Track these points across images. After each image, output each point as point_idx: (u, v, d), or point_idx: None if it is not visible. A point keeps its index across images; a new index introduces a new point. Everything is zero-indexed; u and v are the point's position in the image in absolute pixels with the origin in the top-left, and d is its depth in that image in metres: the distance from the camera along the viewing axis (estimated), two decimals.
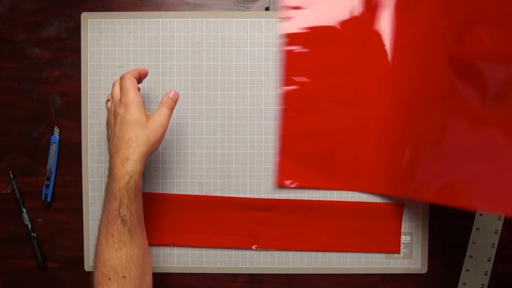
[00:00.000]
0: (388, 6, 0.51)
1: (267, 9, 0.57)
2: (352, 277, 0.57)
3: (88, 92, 0.56)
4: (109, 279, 0.43)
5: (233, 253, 0.57)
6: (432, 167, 0.46)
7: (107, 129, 0.49)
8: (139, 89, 0.49)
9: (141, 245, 0.45)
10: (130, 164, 0.44)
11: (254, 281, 0.58)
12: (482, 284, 0.57)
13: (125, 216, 0.43)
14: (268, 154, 0.56)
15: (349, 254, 0.57)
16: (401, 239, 0.57)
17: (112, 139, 0.46)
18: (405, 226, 0.57)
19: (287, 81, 0.54)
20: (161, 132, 0.46)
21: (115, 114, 0.46)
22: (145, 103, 0.56)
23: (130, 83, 0.46)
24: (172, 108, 0.49)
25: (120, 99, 0.46)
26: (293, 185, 0.55)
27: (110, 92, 0.49)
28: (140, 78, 0.50)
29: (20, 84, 0.57)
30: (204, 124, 0.56)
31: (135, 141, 0.44)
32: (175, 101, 0.49)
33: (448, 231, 0.57)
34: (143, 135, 0.45)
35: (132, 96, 0.45)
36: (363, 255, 0.57)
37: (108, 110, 0.49)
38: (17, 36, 0.57)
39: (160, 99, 0.49)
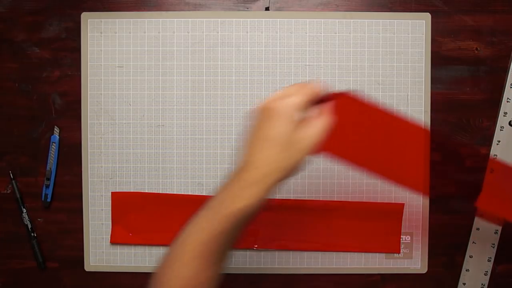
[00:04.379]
0: None
1: (267, 9, 0.57)
2: (352, 277, 0.57)
3: (88, 92, 0.56)
4: None
5: (233, 253, 0.57)
6: None
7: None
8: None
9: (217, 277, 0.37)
10: (254, 189, 0.35)
11: (254, 281, 0.58)
12: (482, 284, 0.57)
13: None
14: None
15: (349, 254, 0.57)
16: (401, 239, 0.57)
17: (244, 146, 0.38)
18: (405, 226, 0.57)
19: None
20: (307, 153, 0.37)
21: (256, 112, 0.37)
22: (145, 104, 0.56)
23: (301, 94, 0.37)
24: (328, 126, 0.38)
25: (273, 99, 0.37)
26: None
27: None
28: (315, 100, 0.39)
29: (20, 84, 0.57)
30: (204, 124, 0.56)
31: (273, 163, 0.35)
32: (334, 114, 0.39)
33: (448, 231, 0.57)
34: (285, 156, 0.36)
35: (287, 104, 0.36)
36: (363, 255, 0.57)
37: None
38: (17, 36, 0.57)
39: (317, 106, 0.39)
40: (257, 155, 0.36)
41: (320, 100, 0.39)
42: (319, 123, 0.38)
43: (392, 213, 0.56)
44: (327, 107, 0.39)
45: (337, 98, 0.40)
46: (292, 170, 0.36)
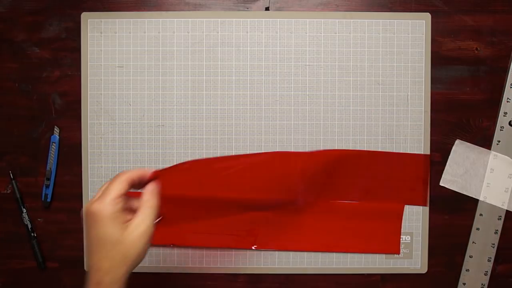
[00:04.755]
0: None
1: (267, 9, 0.57)
2: (352, 277, 0.57)
3: (88, 92, 0.56)
4: None
5: (233, 253, 0.57)
6: None
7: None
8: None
9: None
10: None
11: (254, 281, 0.58)
12: (482, 284, 0.57)
13: None
14: None
15: (349, 254, 0.57)
16: (401, 239, 0.57)
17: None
18: (405, 226, 0.57)
19: None
20: (143, 243, 0.38)
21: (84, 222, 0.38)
22: (145, 104, 0.56)
23: (115, 187, 0.38)
24: (156, 206, 0.40)
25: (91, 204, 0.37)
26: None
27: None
28: (139, 183, 0.41)
29: (20, 84, 0.57)
30: (204, 124, 0.56)
31: (108, 262, 0.36)
32: (158, 193, 0.41)
33: (448, 231, 0.57)
34: (118, 254, 0.37)
35: (104, 205, 0.37)
36: (363, 255, 0.57)
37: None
38: (17, 36, 0.57)
39: (142, 196, 0.41)
40: (93, 258, 0.37)
41: (146, 182, 0.42)
42: (144, 209, 0.39)
43: (392, 213, 0.56)
44: (149, 190, 0.41)
45: (165, 173, 0.43)
46: (134, 261, 0.38)
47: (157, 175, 0.42)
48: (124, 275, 0.37)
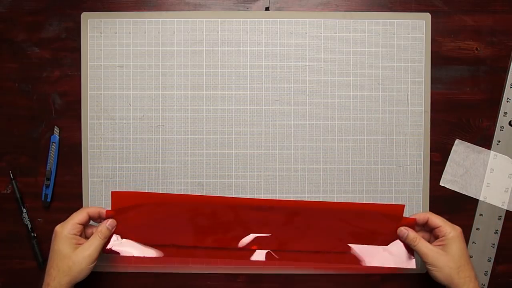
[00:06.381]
0: None
1: (267, 9, 0.57)
2: (352, 277, 0.57)
3: (88, 92, 0.56)
4: None
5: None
6: None
7: None
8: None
9: None
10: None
11: (254, 281, 0.58)
12: (482, 284, 0.57)
13: None
14: (268, 154, 0.56)
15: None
16: None
17: None
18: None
19: None
20: (87, 263, 0.48)
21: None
22: (145, 104, 0.56)
23: (76, 216, 0.50)
24: (105, 238, 0.51)
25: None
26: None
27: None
28: (99, 219, 0.53)
29: (20, 84, 0.57)
30: (204, 124, 0.56)
31: (56, 270, 0.47)
32: (110, 229, 0.51)
33: None
34: (64, 266, 0.47)
35: (64, 227, 0.49)
36: None
37: None
38: (17, 36, 0.57)
39: (99, 226, 0.51)
40: (48, 265, 0.49)
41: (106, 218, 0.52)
42: (93, 237, 0.50)
43: (392, 213, 0.56)
44: (103, 223, 0.51)
45: (115, 213, 0.52)
46: (76, 274, 0.48)
47: (113, 214, 0.52)
48: (67, 284, 0.48)
